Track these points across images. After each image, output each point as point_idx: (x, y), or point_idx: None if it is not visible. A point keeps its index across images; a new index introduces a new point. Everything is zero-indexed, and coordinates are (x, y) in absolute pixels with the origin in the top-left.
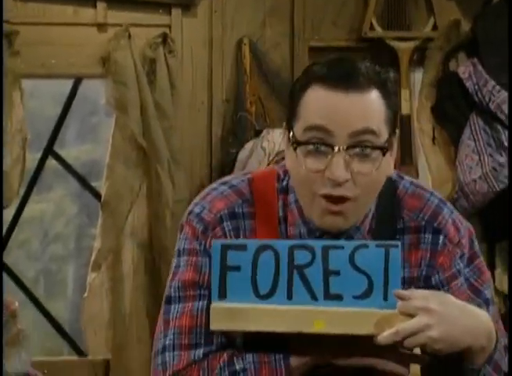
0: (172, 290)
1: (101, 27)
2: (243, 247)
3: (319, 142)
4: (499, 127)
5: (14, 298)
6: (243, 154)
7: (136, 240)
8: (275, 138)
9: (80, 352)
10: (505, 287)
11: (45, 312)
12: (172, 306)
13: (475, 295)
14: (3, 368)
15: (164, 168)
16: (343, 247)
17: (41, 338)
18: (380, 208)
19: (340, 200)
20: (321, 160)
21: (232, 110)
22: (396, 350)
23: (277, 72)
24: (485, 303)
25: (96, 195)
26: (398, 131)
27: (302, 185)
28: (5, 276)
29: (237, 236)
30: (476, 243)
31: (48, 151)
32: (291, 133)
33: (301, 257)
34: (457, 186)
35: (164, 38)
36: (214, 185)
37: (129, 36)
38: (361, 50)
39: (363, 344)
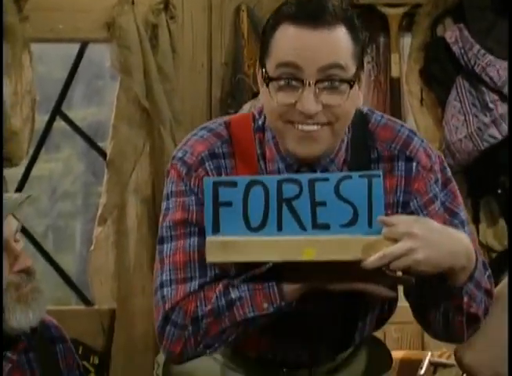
0: (164, 230)
1: None
2: (234, 184)
3: (290, 77)
4: (484, 88)
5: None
6: None
7: (140, 196)
8: None
9: (87, 302)
10: (488, 240)
11: (54, 265)
12: (165, 245)
13: (452, 217)
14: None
15: (166, 128)
16: (328, 179)
17: (51, 288)
18: (354, 140)
19: (312, 130)
20: (292, 94)
21: (230, 72)
22: (383, 274)
23: None
24: (461, 224)
25: (102, 154)
26: (365, 64)
27: (276, 118)
28: None
29: (219, 175)
30: (448, 169)
31: (56, 112)
32: (264, 70)
33: (289, 190)
34: (444, 145)
35: (166, 4)
36: (194, 131)
37: (133, 2)
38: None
39: (352, 270)
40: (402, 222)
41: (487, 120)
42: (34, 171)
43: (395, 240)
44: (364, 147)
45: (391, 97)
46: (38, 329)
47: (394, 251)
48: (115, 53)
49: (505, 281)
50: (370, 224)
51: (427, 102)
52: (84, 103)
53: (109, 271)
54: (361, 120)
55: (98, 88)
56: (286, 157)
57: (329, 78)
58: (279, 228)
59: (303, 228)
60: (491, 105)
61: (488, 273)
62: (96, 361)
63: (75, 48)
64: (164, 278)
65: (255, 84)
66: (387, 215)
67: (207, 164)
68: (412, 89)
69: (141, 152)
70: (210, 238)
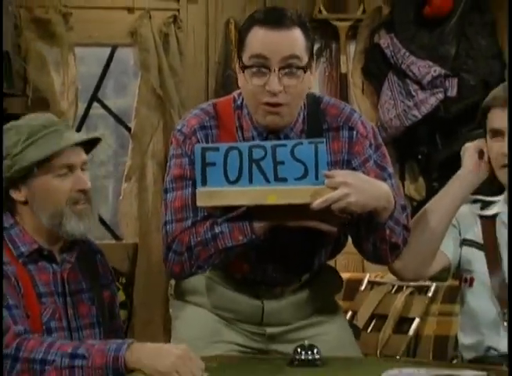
0: (167, 183)
1: (130, 10)
2: (217, 149)
3: (260, 65)
4: (408, 81)
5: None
6: None
7: (155, 160)
8: None
9: (117, 238)
10: (411, 193)
11: None
12: (168, 194)
13: (382, 171)
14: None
15: (175, 110)
16: (286, 145)
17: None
18: (310, 115)
19: (276, 105)
20: (262, 78)
21: (222, 69)
22: (326, 214)
23: None
24: (389, 176)
25: (128, 130)
26: (315, 56)
27: (250, 97)
28: None
29: (207, 142)
30: (379, 137)
31: (93, 100)
32: (241, 61)
33: (257, 153)
34: (379, 123)
35: (175, 19)
36: (191, 110)
37: (150, 17)
38: (313, 28)
39: (304, 211)
40: (339, 174)
41: (410, 104)
42: None
43: (335, 189)
44: (317, 120)
45: (341, 88)
46: (86, 242)
47: (333, 195)
48: (137, 55)
49: (420, 213)
50: (317, 177)
51: (366, 91)
52: (114, 93)
53: (134, 215)
54: (315, 101)
55: (124, 81)
56: (258, 127)
57: (289, 66)
58: (250, 181)
59: (267, 180)
60: (413, 93)
61: (406, 213)
62: (124, 281)
63: (107, 51)
64: (167, 218)
65: None
66: (335, 169)
67: (198, 133)
68: (355, 82)
69: (156, 128)
70: (199, 189)
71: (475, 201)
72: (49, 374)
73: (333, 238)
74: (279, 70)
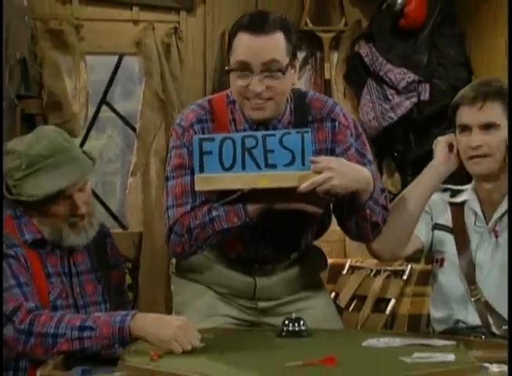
0: (168, 172)
1: (135, 22)
2: (213, 139)
3: (244, 69)
4: (385, 86)
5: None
6: None
7: (158, 157)
8: None
9: (123, 227)
10: (388, 187)
11: (103, 205)
12: (169, 182)
13: (362, 158)
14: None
15: (176, 112)
16: (275, 135)
17: (101, 219)
18: (296, 108)
19: (260, 103)
20: (246, 80)
21: (218, 75)
22: (312, 197)
23: None
24: (369, 162)
25: (133, 130)
26: (299, 55)
27: (237, 94)
28: None
29: (203, 133)
30: (359, 127)
31: (102, 103)
32: (229, 64)
33: (249, 142)
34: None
35: (176, 30)
36: (189, 105)
37: (153, 28)
38: (299, 38)
39: (292, 194)
40: (323, 160)
41: (387, 107)
42: (88, 145)
43: (320, 173)
44: (303, 113)
45: (325, 92)
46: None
47: (318, 179)
48: (141, 63)
49: (397, 199)
50: (303, 163)
51: (348, 95)
52: (121, 97)
53: (139, 207)
54: (300, 95)
55: (130, 86)
56: (249, 120)
57: (269, 69)
58: (243, 167)
59: (259, 167)
60: (390, 97)
61: (384, 195)
62: (130, 266)
63: (115, 59)
64: (169, 204)
65: None
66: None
67: (195, 126)
68: (338, 87)
69: (159, 128)
70: (197, 175)
71: (445, 190)
72: (61, 345)
73: (318, 219)
74: (260, 72)
